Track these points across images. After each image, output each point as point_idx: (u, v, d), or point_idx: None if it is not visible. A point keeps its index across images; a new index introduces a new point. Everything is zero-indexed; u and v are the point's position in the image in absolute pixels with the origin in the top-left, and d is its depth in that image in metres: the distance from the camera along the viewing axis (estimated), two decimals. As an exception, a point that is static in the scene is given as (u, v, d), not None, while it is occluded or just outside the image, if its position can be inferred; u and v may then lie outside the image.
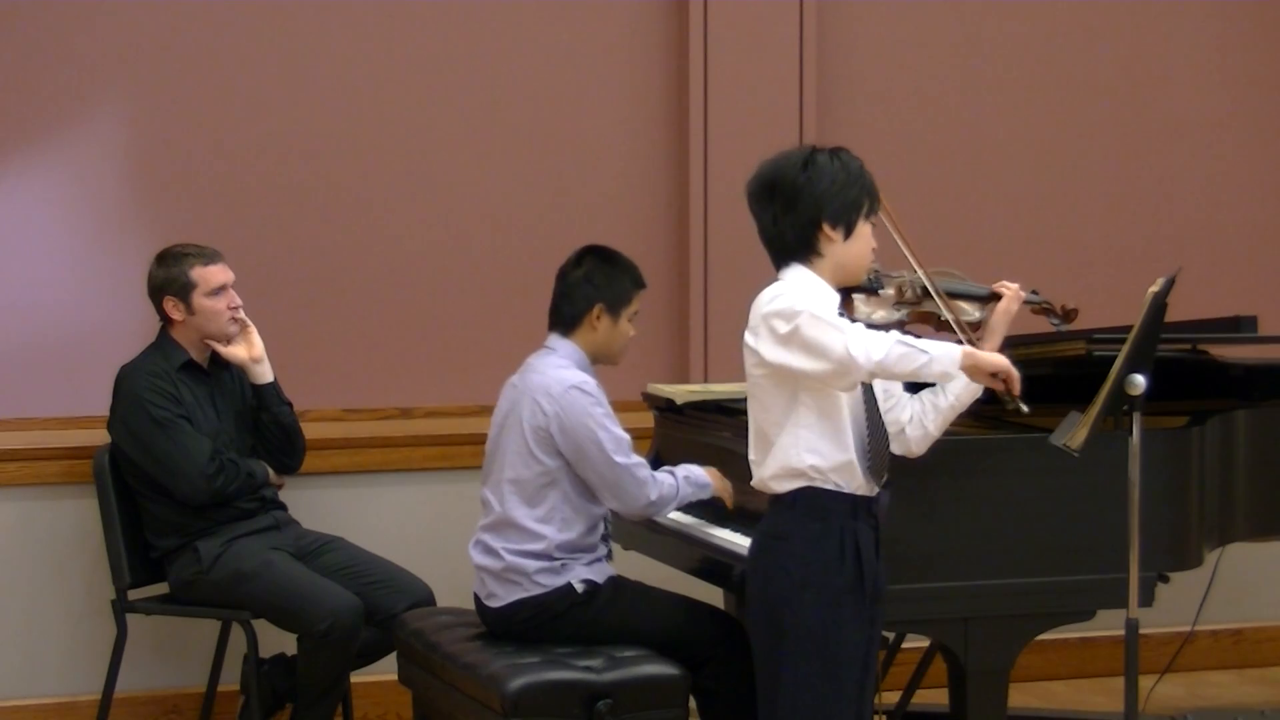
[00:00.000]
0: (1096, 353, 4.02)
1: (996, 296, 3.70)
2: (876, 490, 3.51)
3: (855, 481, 3.46)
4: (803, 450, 3.44)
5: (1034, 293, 3.93)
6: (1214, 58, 6.17)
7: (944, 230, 5.77)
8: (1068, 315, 3.95)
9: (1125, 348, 3.64)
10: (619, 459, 4.16)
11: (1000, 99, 5.99)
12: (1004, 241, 5.91)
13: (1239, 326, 4.53)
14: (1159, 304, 3.65)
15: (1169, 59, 6.13)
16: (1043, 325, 4.07)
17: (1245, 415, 4.33)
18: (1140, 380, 3.61)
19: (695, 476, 4.29)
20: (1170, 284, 3.67)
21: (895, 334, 3.39)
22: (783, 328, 3.38)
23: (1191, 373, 4.53)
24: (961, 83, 5.96)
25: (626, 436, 4.21)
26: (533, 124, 5.63)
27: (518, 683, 3.98)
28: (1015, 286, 3.69)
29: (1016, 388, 3.39)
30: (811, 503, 3.45)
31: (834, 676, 3.44)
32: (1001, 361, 3.38)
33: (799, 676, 3.44)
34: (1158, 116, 6.12)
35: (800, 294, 3.41)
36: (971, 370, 3.38)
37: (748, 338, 3.47)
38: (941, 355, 3.35)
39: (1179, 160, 6.15)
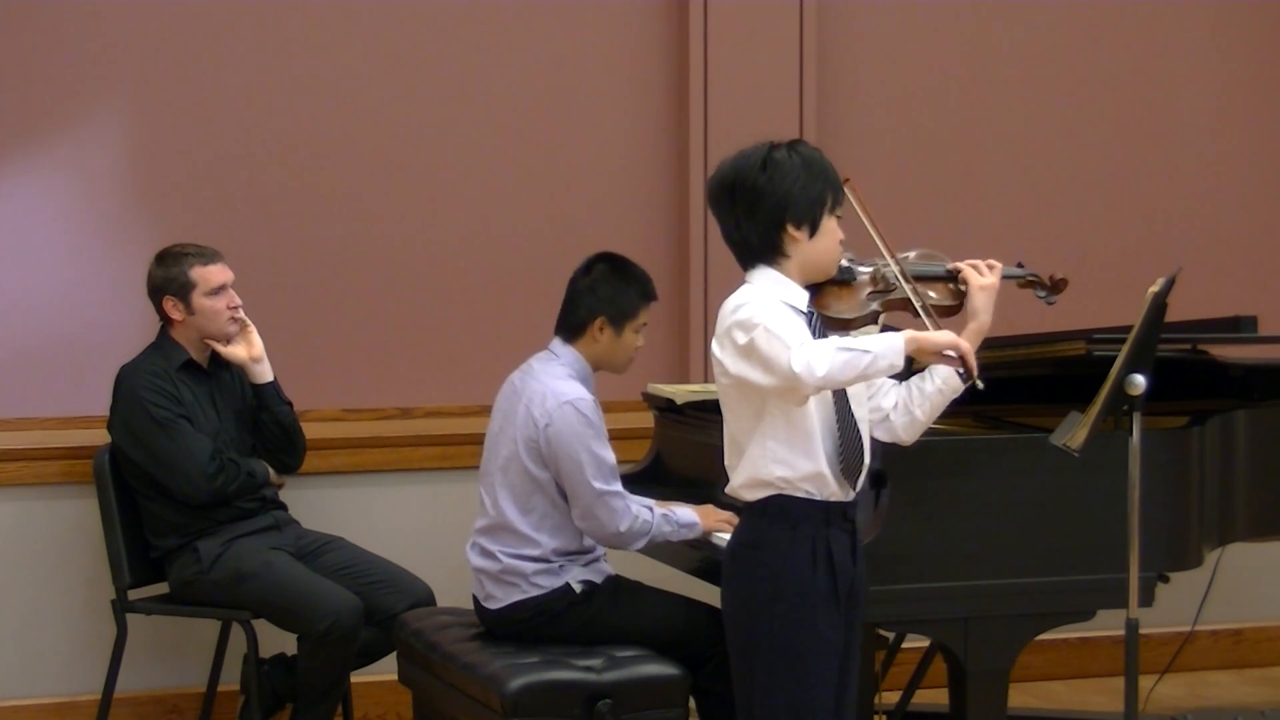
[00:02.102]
0: (1096, 353, 4.02)
1: (962, 276, 3.61)
2: (852, 495, 3.47)
3: (827, 489, 3.42)
4: (770, 462, 3.40)
5: (1019, 266, 3.88)
6: (1214, 58, 6.17)
7: (943, 229, 5.77)
8: (1056, 286, 3.86)
9: (1125, 348, 3.63)
10: (597, 484, 4.11)
11: (1000, 99, 5.99)
12: (1003, 241, 5.88)
13: (1239, 326, 4.52)
14: (1159, 304, 3.64)
15: (1169, 59, 6.13)
16: (1042, 321, 4.05)
17: (1245, 415, 4.33)
18: (1140, 380, 3.61)
19: (679, 516, 4.20)
20: (1170, 284, 3.66)
21: (836, 341, 3.33)
22: (741, 339, 3.33)
23: (1191, 373, 4.53)
24: (961, 82, 5.96)
25: (612, 461, 4.16)
26: (533, 124, 5.63)
27: (518, 683, 3.98)
28: (975, 262, 3.61)
29: (971, 362, 3.38)
30: (782, 510, 3.42)
31: (808, 684, 3.41)
32: (948, 339, 3.37)
33: (773, 684, 3.42)
34: (1158, 116, 6.12)
35: (761, 304, 3.36)
36: (920, 354, 3.37)
37: (714, 346, 3.43)
38: (885, 349, 3.31)
39: (1179, 160, 6.14)
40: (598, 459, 4.13)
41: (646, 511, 4.18)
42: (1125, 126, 6.09)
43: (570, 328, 4.28)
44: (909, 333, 3.36)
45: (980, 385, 3.41)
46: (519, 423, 4.20)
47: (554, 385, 4.19)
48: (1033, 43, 6.02)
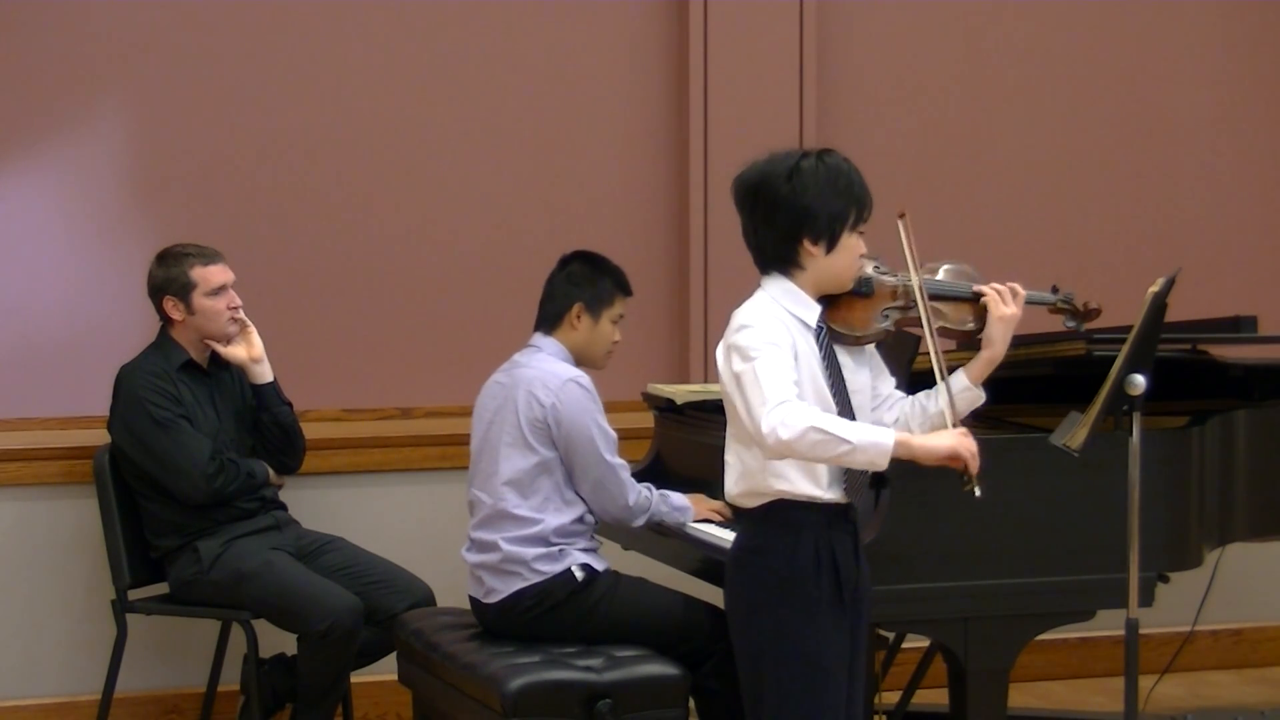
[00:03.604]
0: (1096, 353, 4.02)
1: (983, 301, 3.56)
2: (854, 500, 3.46)
3: (828, 496, 3.40)
4: (769, 476, 3.38)
5: (1053, 290, 3.84)
6: (1214, 58, 6.17)
7: (943, 230, 5.76)
8: (1088, 315, 3.83)
9: (1125, 348, 3.63)
10: (608, 457, 4.21)
11: (1000, 99, 5.99)
12: (1003, 241, 5.90)
13: (1239, 326, 4.52)
14: (1159, 304, 3.64)
15: (1169, 59, 6.13)
16: (1043, 322, 4.04)
17: (1245, 415, 4.33)
18: (1140, 380, 3.61)
19: (673, 499, 4.33)
20: (1170, 284, 3.66)
21: (818, 418, 3.23)
22: (736, 365, 3.32)
23: (1191, 373, 4.53)
24: (961, 83, 5.96)
25: (615, 436, 4.25)
26: (533, 124, 5.63)
27: (518, 683, 3.98)
28: (992, 290, 3.54)
29: (975, 467, 3.29)
30: (784, 515, 3.40)
31: (817, 688, 3.40)
32: (946, 448, 3.28)
33: (782, 690, 3.42)
34: (1158, 116, 6.12)
35: (764, 330, 3.32)
36: (915, 460, 3.27)
37: (718, 352, 3.41)
38: (868, 445, 3.22)
39: (1179, 160, 6.15)
40: (607, 434, 4.23)
41: (647, 490, 4.29)
42: (1126, 127, 6.09)
43: (549, 319, 4.36)
44: (902, 436, 3.28)
45: (978, 494, 3.30)
46: (520, 408, 4.23)
47: (551, 367, 4.27)
48: (1032, 43, 6.02)
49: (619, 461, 4.24)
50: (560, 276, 4.38)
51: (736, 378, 3.32)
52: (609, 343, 4.38)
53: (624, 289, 4.39)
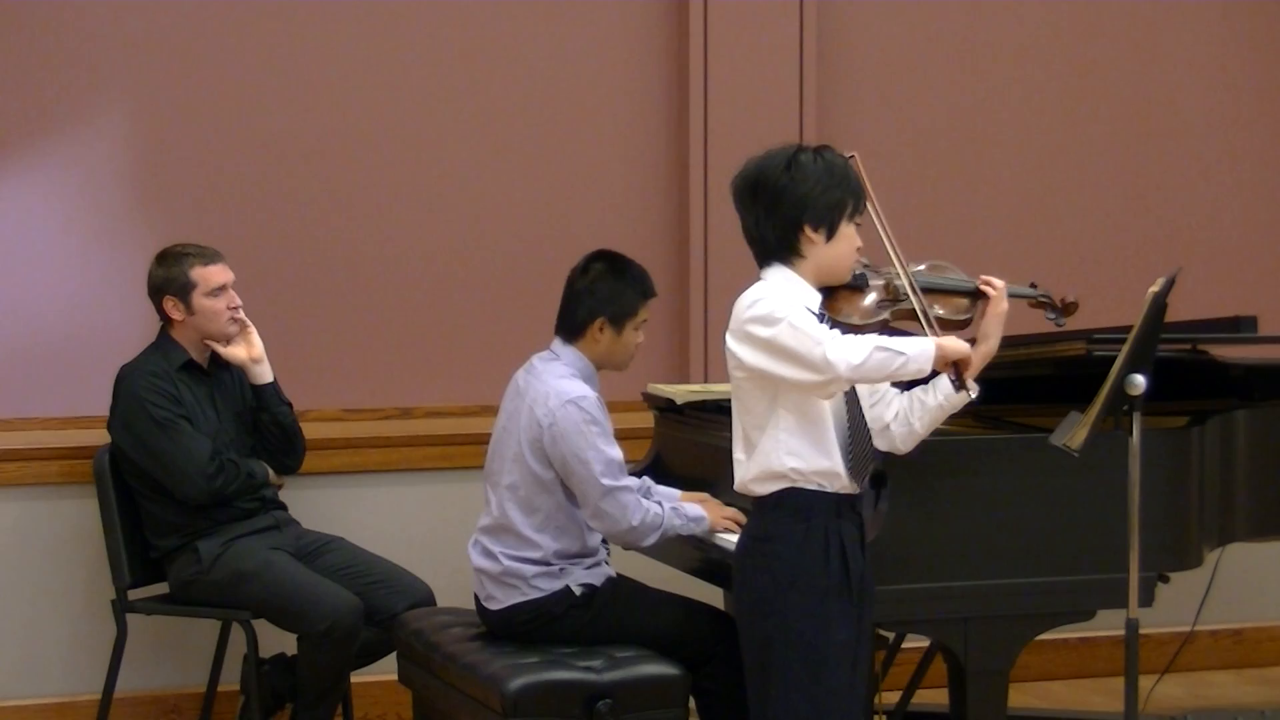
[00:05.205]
0: (1096, 353, 4.01)
1: (982, 293, 3.64)
2: (859, 489, 3.51)
3: (839, 482, 3.46)
4: (783, 454, 3.44)
5: (1032, 285, 3.88)
6: (1214, 58, 6.17)
7: (943, 230, 5.78)
8: (1067, 309, 3.87)
9: (1125, 348, 3.63)
10: (605, 481, 4.10)
11: (1000, 99, 5.99)
12: (1003, 242, 5.91)
13: (1239, 326, 4.52)
14: (1159, 304, 3.64)
15: (1169, 59, 6.13)
16: (1041, 321, 4.05)
17: (1245, 415, 4.33)
18: (1140, 380, 3.61)
19: (687, 510, 4.22)
20: (1170, 284, 3.66)
21: (874, 338, 3.38)
22: (763, 333, 3.37)
23: (1191, 373, 4.53)
24: (961, 82, 5.96)
25: (619, 457, 4.15)
26: (533, 124, 5.63)
27: (518, 683, 3.98)
28: (1000, 284, 3.63)
29: (967, 370, 3.46)
30: (795, 503, 3.45)
31: (823, 676, 3.44)
32: (964, 350, 3.45)
33: (788, 678, 3.44)
34: (1158, 116, 6.12)
35: (780, 299, 3.40)
36: (941, 363, 3.43)
37: (729, 340, 3.46)
38: (917, 354, 3.39)
39: (1179, 160, 6.15)
40: (604, 456, 4.11)
41: (657, 507, 4.18)
42: (1126, 127, 6.10)
43: (570, 328, 4.27)
44: (940, 340, 3.42)
45: (972, 395, 3.47)
46: (523, 424, 4.19)
47: (557, 385, 4.18)
48: (1032, 43, 6.02)
49: (621, 484, 4.12)
50: (582, 282, 4.26)
51: (769, 343, 3.37)
52: (632, 348, 4.30)
53: (648, 294, 4.29)
